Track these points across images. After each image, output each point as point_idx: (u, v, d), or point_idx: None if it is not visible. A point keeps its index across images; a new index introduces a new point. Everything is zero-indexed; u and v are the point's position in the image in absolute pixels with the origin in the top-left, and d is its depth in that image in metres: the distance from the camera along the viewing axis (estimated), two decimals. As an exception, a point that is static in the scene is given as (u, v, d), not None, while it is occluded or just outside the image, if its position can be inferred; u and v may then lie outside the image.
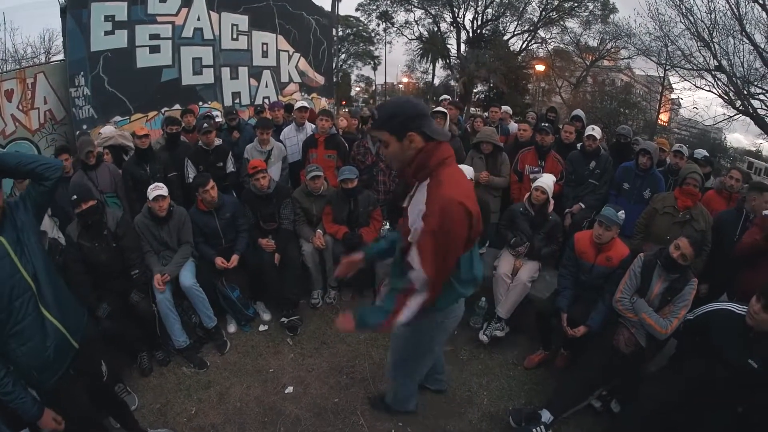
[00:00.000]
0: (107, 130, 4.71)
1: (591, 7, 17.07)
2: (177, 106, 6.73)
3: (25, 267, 1.62)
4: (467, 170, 3.21)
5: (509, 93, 17.59)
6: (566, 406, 2.44)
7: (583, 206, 3.79)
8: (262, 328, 3.40)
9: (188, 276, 3.07)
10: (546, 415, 2.37)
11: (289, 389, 2.77)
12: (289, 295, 3.35)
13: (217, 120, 5.24)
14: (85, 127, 6.00)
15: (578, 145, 4.02)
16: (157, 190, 2.99)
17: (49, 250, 2.69)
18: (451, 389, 2.74)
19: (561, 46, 18.09)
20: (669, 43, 13.33)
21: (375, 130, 1.56)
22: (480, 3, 18.02)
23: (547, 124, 4.01)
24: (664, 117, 16.48)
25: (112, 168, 3.81)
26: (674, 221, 3.06)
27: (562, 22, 17.66)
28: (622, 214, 2.68)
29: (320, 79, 9.26)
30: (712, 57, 12.27)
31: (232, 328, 3.36)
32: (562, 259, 2.96)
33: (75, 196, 2.70)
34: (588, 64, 17.82)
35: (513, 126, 5.38)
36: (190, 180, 3.81)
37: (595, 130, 3.86)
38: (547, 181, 3.19)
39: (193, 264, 3.17)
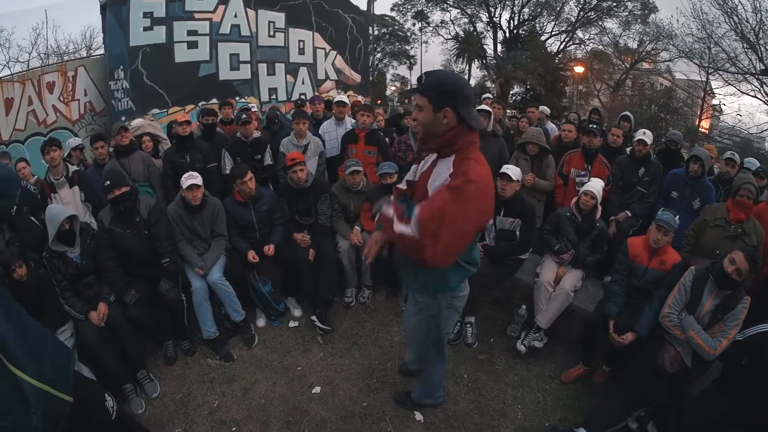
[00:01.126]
0: (137, 122, 4.81)
1: (630, 7, 16.40)
2: (214, 101, 6.85)
3: None
4: (515, 171, 3.08)
5: (546, 95, 17.11)
6: (604, 425, 2.30)
7: (629, 214, 3.62)
8: (292, 324, 3.32)
9: (215, 270, 3.02)
10: None
11: (317, 389, 2.67)
12: (324, 293, 3.23)
13: (254, 111, 5.27)
14: (123, 118, 6.23)
15: (627, 149, 3.83)
16: (191, 179, 2.96)
17: (81, 234, 2.73)
18: (485, 400, 2.62)
19: (599, 47, 17.51)
20: (712, 45, 12.68)
21: (416, 92, 1.54)
22: (517, 2, 17.67)
23: (594, 125, 3.81)
24: (705, 123, 15.63)
25: (146, 157, 3.85)
26: (725, 235, 2.91)
27: (600, 23, 17.07)
28: (678, 219, 2.60)
29: (356, 77, 9.32)
30: (758, 60, 11.63)
31: (261, 322, 3.30)
32: (614, 264, 2.83)
33: (108, 182, 2.72)
34: (627, 66, 17.13)
35: (550, 126, 5.15)
36: (227, 171, 3.80)
37: (646, 135, 3.66)
38: (596, 185, 3.05)
39: (224, 258, 3.13)
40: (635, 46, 16.78)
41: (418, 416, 2.47)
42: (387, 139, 4.24)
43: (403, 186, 1.93)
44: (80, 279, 2.68)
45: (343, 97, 4.61)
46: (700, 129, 14.71)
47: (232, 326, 3.16)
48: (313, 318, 3.17)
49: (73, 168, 3.62)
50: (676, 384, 2.32)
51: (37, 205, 3.31)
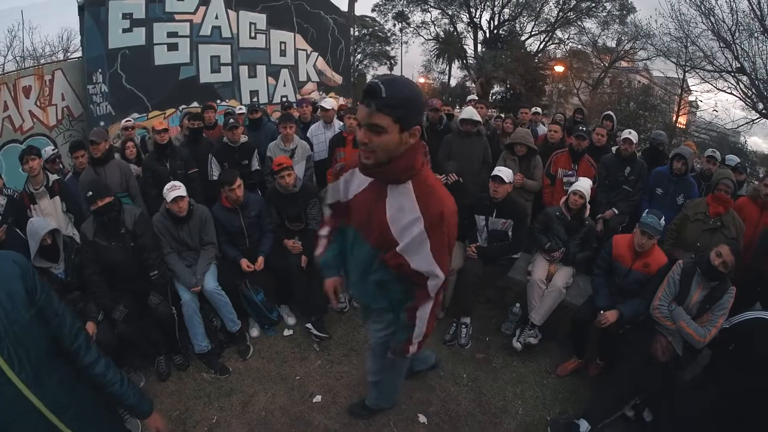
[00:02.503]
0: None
1: (609, 8, 16.75)
2: (195, 104, 6.74)
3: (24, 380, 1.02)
4: (507, 173, 3.12)
5: (526, 94, 17.34)
6: (604, 415, 2.38)
7: (616, 212, 3.70)
8: (287, 332, 3.26)
9: (210, 279, 2.93)
10: (584, 425, 2.32)
11: (317, 398, 2.64)
12: (318, 300, 3.14)
13: (240, 114, 5.18)
14: (102, 123, 6.03)
15: (613, 149, 3.91)
16: (175, 190, 2.84)
17: (65, 249, 2.61)
18: (485, 398, 2.66)
19: (579, 46, 17.82)
20: (689, 44, 13.08)
21: (377, 113, 1.18)
22: (497, 3, 17.81)
23: (584, 129, 3.91)
24: (682, 119, 16.14)
25: (123, 165, 3.71)
26: (705, 228, 3.02)
27: (579, 23, 17.38)
28: (663, 221, 2.62)
29: (338, 79, 9.28)
30: (733, 58, 12.02)
31: (255, 332, 3.22)
32: (596, 260, 2.90)
33: (90, 193, 2.60)
34: (606, 65, 17.51)
35: (542, 128, 5.23)
36: (214, 177, 3.71)
37: (631, 134, 3.76)
38: (584, 185, 3.11)
39: (215, 267, 3.04)
40: (614, 45, 17.17)
41: (422, 418, 2.48)
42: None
43: (328, 214, 1.74)
44: (65, 296, 2.54)
45: (327, 103, 4.57)
46: (677, 125, 15.11)
47: (226, 338, 3.07)
48: (309, 326, 3.12)
49: (53, 177, 3.47)
50: (669, 372, 2.39)
51: (21, 216, 3.16)
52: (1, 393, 0.95)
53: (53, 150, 4.52)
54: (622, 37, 16.71)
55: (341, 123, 4.28)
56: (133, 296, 2.75)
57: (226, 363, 2.93)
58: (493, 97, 19.83)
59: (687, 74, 14.02)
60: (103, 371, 1.21)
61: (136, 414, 1.32)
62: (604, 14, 16.77)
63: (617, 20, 16.67)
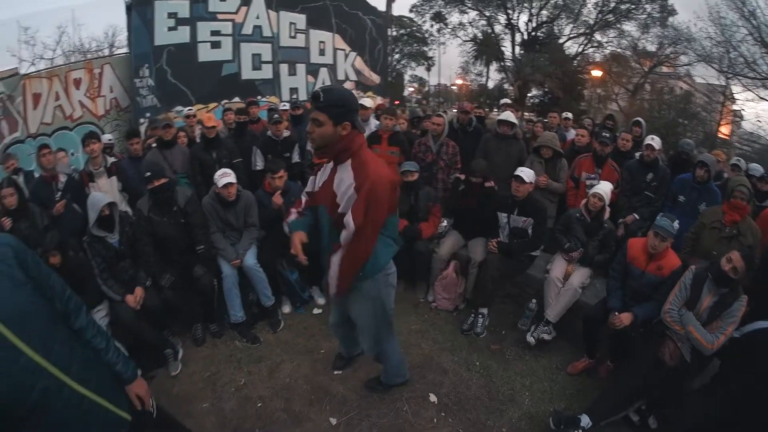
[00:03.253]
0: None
1: (649, 10, 16.07)
2: (237, 99, 7.09)
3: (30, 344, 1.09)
4: (528, 173, 3.23)
5: (564, 98, 16.89)
6: (607, 414, 2.41)
7: (637, 217, 3.70)
8: (316, 311, 3.51)
9: (250, 256, 3.22)
10: (585, 420, 2.35)
11: (338, 371, 2.83)
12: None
13: (284, 110, 5.44)
14: (148, 115, 6.49)
15: (636, 154, 3.90)
16: (226, 177, 3.12)
17: (120, 221, 2.91)
18: (495, 386, 2.77)
19: (618, 50, 17.22)
20: (731, 50, 12.43)
21: (318, 111, 1.71)
22: (534, 5, 17.47)
23: (607, 134, 3.93)
24: (724, 130, 15.27)
25: (185, 150, 4.09)
26: (721, 236, 2.97)
27: (618, 25, 16.77)
28: (676, 224, 2.61)
29: (376, 78, 9.41)
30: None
31: (286, 308, 3.50)
32: (612, 263, 2.93)
33: (149, 174, 2.92)
34: (646, 70, 16.85)
35: (572, 132, 5.27)
36: (258, 167, 4.02)
37: (654, 140, 3.74)
38: (604, 188, 3.17)
39: (255, 246, 3.32)
40: (654, 50, 16.50)
41: (433, 398, 2.64)
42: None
43: (304, 198, 2.14)
44: (117, 263, 2.86)
45: (366, 101, 4.79)
46: (720, 135, 14.37)
47: (259, 311, 3.35)
48: None
49: (111, 159, 3.87)
50: (676, 377, 2.39)
51: (80, 193, 3.55)
52: (17, 362, 1.05)
53: (109, 139, 4.99)
54: (663, 41, 16.01)
55: (377, 122, 4.46)
56: (180, 267, 3.06)
57: (258, 334, 3.20)
58: (531, 100, 19.48)
59: (729, 81, 13.32)
60: (92, 336, 1.31)
61: (122, 380, 1.39)
62: (644, 17, 16.12)
63: (657, 23, 15.98)
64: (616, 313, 2.61)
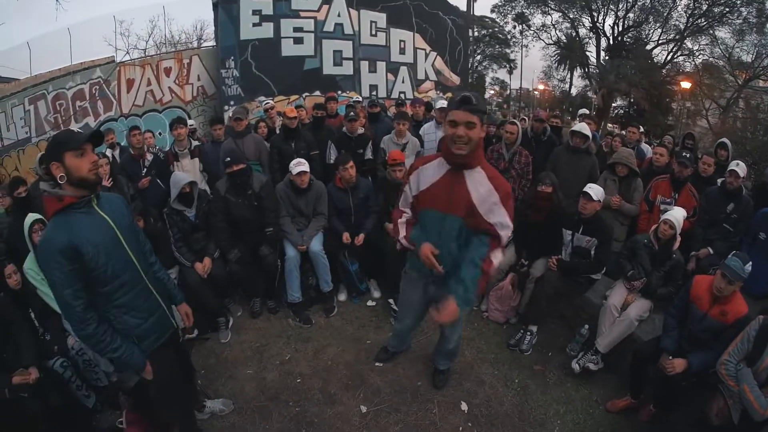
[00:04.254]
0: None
1: (745, 14, 14.13)
2: (317, 93, 7.49)
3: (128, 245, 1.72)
4: (597, 190, 3.09)
5: (650, 111, 15.64)
6: None
7: (711, 252, 3.35)
8: (370, 303, 3.68)
9: (317, 243, 3.45)
10: None
11: (379, 363, 2.94)
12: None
13: (361, 108, 5.67)
14: (232, 103, 7.09)
15: (719, 180, 3.55)
16: (300, 166, 3.36)
17: (198, 198, 3.23)
18: (528, 407, 2.72)
19: (710, 59, 15.45)
20: None
21: (470, 113, 1.73)
22: (621, 7, 16.23)
23: (687, 155, 3.60)
24: None
25: (258, 139, 4.45)
26: None
27: (711, 31, 15.01)
28: (749, 266, 2.32)
29: (456, 79, 9.35)
30: None
31: (342, 297, 3.71)
32: (674, 299, 2.68)
33: (228, 159, 3.24)
34: (740, 83, 14.86)
35: (648, 149, 4.91)
36: (332, 161, 4.22)
37: (739, 166, 3.33)
38: (677, 215, 2.93)
39: (322, 234, 3.55)
40: (750, 60, 14.55)
41: (464, 406, 2.65)
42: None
43: (407, 204, 2.13)
44: (192, 234, 3.21)
45: (444, 103, 4.82)
46: None
47: (316, 295, 3.59)
48: (390, 301, 3.49)
49: (195, 143, 4.32)
50: None
51: (164, 170, 4.03)
52: (122, 255, 1.68)
53: (191, 124, 5.54)
54: (761, 50, 14.05)
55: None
56: (248, 245, 3.36)
57: (311, 316, 3.44)
58: (615, 111, 18.24)
59: None
60: (159, 269, 1.96)
61: (174, 300, 2.01)
62: (740, 21, 14.22)
63: (754, 29, 14.02)
64: (669, 357, 2.40)
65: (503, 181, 1.90)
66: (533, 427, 2.56)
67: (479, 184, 1.88)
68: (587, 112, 5.22)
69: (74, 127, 6.55)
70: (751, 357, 2.15)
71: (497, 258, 1.92)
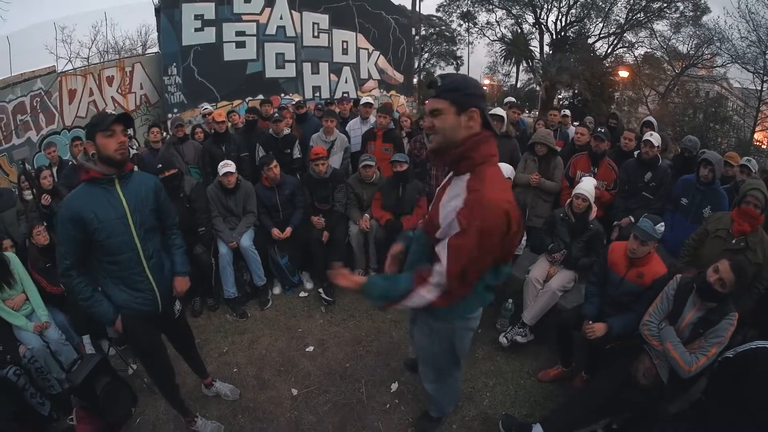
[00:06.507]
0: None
1: (681, 8, 15.09)
2: (260, 96, 7.46)
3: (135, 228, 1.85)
4: (506, 168, 3.10)
5: (593, 100, 16.35)
6: (562, 428, 2.20)
7: (632, 220, 3.42)
8: (302, 294, 3.79)
9: (247, 239, 3.56)
10: (537, 430, 2.20)
11: (310, 348, 3.08)
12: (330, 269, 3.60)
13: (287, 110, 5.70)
14: (175, 110, 6.97)
15: (635, 153, 3.72)
16: (227, 167, 3.48)
17: None
18: None
19: (650, 50, 16.39)
20: (766, 50, 11.54)
21: (435, 98, 1.35)
22: (563, 3, 16.89)
23: (602, 130, 3.77)
24: (759, 136, 14.01)
25: (197, 145, 4.53)
26: (725, 248, 2.57)
27: (650, 25, 15.90)
28: (661, 227, 2.34)
29: (399, 77, 9.55)
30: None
31: (276, 290, 3.82)
32: (593, 267, 2.72)
33: (160, 165, 3.29)
34: (678, 72, 15.87)
35: (572, 130, 5.21)
36: None
37: (653, 136, 3.45)
38: (586, 187, 2.96)
39: (252, 230, 3.65)
40: (685, 51, 15.55)
41: (394, 386, 2.71)
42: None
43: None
44: None
45: (369, 99, 4.98)
46: (755, 142, 13.34)
47: (252, 290, 3.68)
48: (320, 290, 3.61)
49: (133, 151, 4.29)
50: (650, 399, 2.14)
51: None
52: (125, 236, 1.82)
53: (129, 133, 5.45)
54: (696, 41, 15.07)
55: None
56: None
57: (247, 310, 3.52)
58: (560, 102, 18.89)
59: (765, 84, 12.35)
60: (178, 242, 2.18)
61: (177, 271, 2.13)
62: (677, 15, 15.19)
63: (690, 22, 15.01)
64: (590, 322, 2.43)
65: (491, 196, 1.30)
66: (461, 401, 2.56)
67: (456, 191, 1.40)
68: (514, 100, 5.45)
69: (16, 142, 6.22)
70: (673, 315, 2.18)
71: (419, 298, 1.42)
